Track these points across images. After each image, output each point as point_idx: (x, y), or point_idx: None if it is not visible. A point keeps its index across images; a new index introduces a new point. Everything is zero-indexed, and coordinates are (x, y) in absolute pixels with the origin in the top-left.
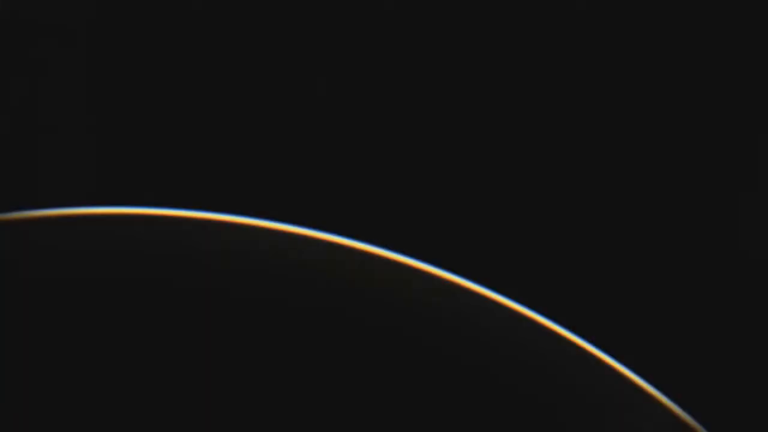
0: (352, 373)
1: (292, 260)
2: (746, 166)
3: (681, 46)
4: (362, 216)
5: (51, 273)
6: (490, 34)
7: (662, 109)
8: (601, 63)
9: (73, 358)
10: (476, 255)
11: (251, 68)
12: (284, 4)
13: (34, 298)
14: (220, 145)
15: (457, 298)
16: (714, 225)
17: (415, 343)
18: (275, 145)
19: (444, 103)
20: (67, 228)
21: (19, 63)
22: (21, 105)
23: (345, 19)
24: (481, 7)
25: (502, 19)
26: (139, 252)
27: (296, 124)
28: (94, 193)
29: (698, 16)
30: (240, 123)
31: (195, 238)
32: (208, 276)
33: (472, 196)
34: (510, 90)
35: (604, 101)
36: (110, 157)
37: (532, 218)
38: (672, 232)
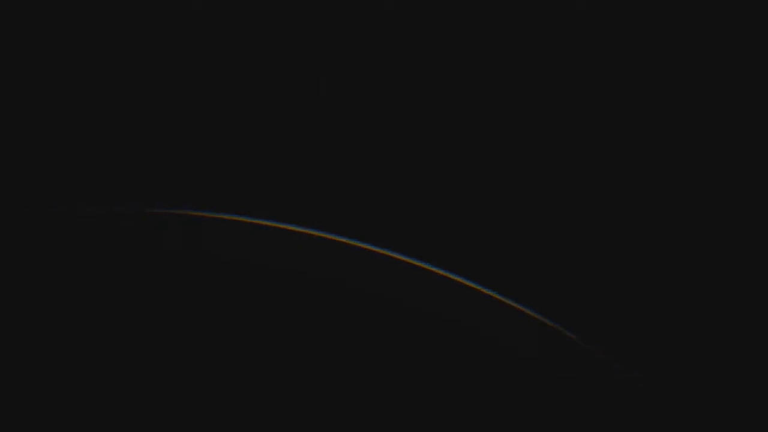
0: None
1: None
2: (746, 166)
3: (681, 46)
4: (362, 216)
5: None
6: (490, 34)
7: (662, 109)
8: (601, 63)
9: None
10: (471, 252)
11: (252, 68)
12: (284, 4)
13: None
14: (220, 145)
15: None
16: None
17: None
18: (276, 145)
19: (444, 103)
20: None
21: (21, 62)
22: (26, 104)
23: (345, 19)
24: (481, 8)
25: (502, 19)
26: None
27: (297, 124)
28: (96, 193)
29: (698, 16)
30: (240, 123)
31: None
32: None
33: (469, 196)
34: (510, 90)
35: (604, 101)
36: (113, 157)
37: (523, 216)
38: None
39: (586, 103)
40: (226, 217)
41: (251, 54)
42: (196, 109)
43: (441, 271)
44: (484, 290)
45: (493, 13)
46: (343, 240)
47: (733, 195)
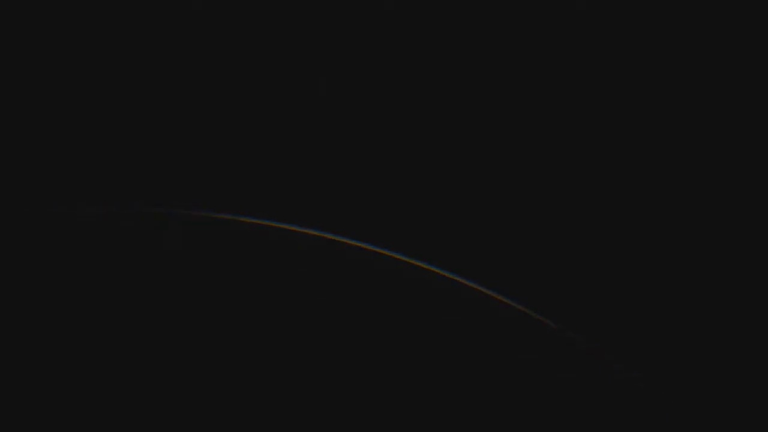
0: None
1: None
2: (746, 166)
3: (681, 46)
4: (362, 216)
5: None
6: (490, 34)
7: (662, 109)
8: (601, 63)
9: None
10: (471, 252)
11: (252, 68)
12: (284, 4)
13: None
14: (220, 145)
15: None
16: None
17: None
18: (276, 145)
19: (444, 103)
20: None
21: (21, 62)
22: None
23: (345, 19)
24: (480, 8)
25: (502, 18)
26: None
27: (297, 124)
28: (97, 193)
29: (698, 16)
30: (241, 123)
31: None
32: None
33: (469, 196)
34: (510, 90)
35: (604, 101)
36: (113, 157)
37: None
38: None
39: (586, 103)
40: (226, 217)
41: (251, 54)
42: (197, 109)
43: (441, 271)
44: (484, 290)
45: (493, 13)
46: (343, 240)
47: (733, 195)
